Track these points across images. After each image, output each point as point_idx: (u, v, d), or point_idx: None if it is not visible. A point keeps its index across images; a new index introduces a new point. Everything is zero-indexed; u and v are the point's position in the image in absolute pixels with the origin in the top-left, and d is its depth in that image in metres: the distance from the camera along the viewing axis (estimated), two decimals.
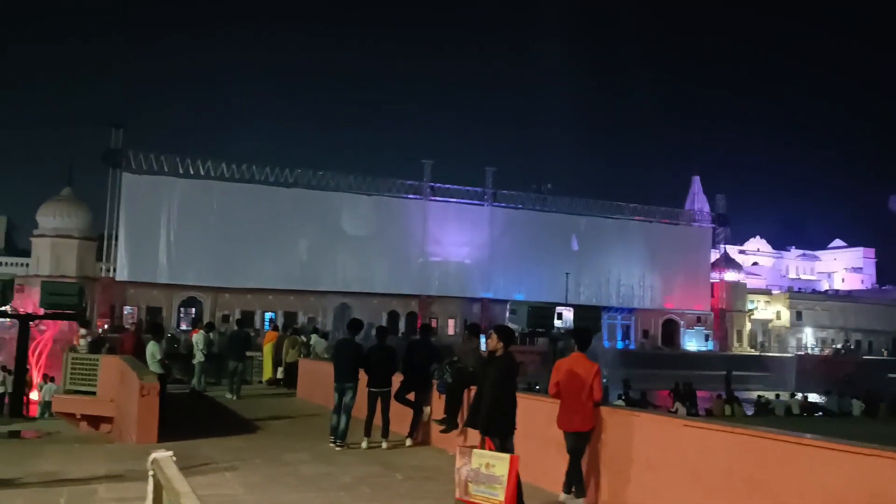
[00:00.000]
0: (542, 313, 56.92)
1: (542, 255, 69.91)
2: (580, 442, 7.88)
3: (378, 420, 11.73)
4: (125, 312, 60.02)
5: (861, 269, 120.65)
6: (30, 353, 33.44)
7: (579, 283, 70.79)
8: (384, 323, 59.73)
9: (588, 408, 7.87)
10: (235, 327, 21.72)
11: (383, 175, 69.21)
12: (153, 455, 4.59)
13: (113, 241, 59.38)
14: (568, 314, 61.32)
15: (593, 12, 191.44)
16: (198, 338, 19.26)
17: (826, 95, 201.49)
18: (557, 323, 53.77)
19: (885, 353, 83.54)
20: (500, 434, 7.46)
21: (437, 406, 11.51)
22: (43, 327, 39.28)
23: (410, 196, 68.92)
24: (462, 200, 70.75)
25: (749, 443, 6.32)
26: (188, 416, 15.11)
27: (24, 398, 25.15)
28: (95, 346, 18.32)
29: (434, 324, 65.79)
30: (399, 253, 66.78)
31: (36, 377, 32.57)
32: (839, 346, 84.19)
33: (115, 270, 59.46)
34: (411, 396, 11.97)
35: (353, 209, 65.89)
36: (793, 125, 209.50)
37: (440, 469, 10.19)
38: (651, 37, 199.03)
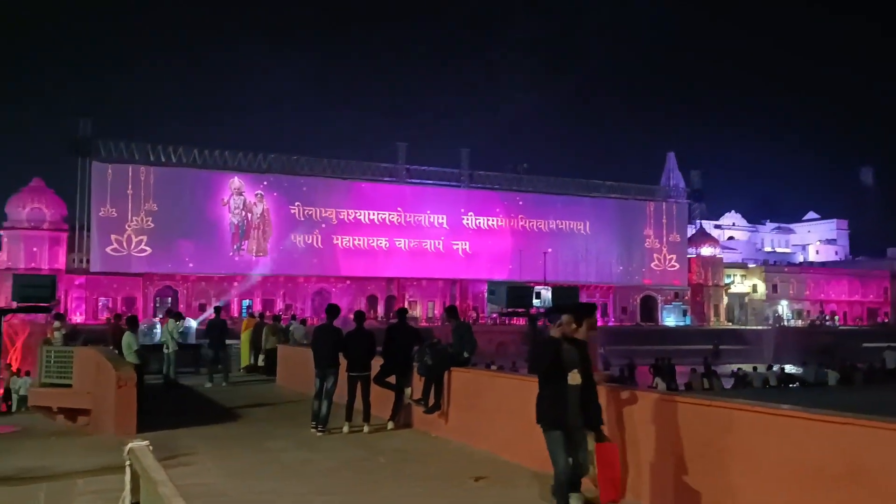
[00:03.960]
0: (520, 293, 57.17)
1: (519, 235, 70.11)
2: None
3: (359, 404, 11.73)
4: (99, 304, 59.41)
5: (835, 240, 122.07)
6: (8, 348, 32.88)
7: (557, 262, 71.04)
8: (362, 307, 59.63)
9: None
10: (213, 315, 21.44)
11: (358, 159, 68.74)
12: (129, 445, 4.54)
13: (85, 233, 58.56)
14: (546, 293, 61.65)
15: None
16: (171, 326, 19.08)
17: (797, 69, 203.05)
18: (536, 302, 54.06)
19: (860, 322, 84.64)
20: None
21: (417, 388, 11.50)
22: None
23: (386, 179, 68.55)
24: (438, 182, 70.48)
25: (725, 415, 6.37)
26: (166, 407, 15.01)
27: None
28: (70, 338, 18.11)
29: (413, 307, 65.79)
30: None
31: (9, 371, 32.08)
32: (815, 317, 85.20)
33: (87, 262, 58.81)
34: (392, 380, 11.95)
35: (328, 194, 65.43)
36: (766, 99, 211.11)
37: (423, 451, 10.20)
38: (624, 14, 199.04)
